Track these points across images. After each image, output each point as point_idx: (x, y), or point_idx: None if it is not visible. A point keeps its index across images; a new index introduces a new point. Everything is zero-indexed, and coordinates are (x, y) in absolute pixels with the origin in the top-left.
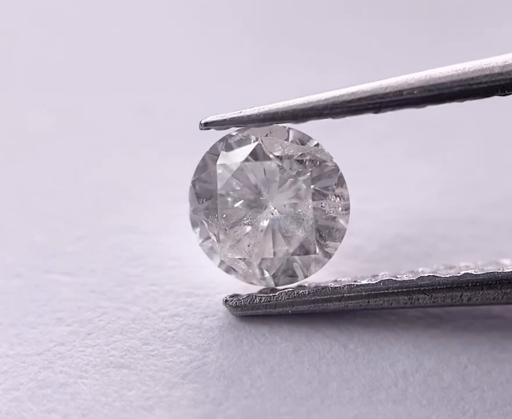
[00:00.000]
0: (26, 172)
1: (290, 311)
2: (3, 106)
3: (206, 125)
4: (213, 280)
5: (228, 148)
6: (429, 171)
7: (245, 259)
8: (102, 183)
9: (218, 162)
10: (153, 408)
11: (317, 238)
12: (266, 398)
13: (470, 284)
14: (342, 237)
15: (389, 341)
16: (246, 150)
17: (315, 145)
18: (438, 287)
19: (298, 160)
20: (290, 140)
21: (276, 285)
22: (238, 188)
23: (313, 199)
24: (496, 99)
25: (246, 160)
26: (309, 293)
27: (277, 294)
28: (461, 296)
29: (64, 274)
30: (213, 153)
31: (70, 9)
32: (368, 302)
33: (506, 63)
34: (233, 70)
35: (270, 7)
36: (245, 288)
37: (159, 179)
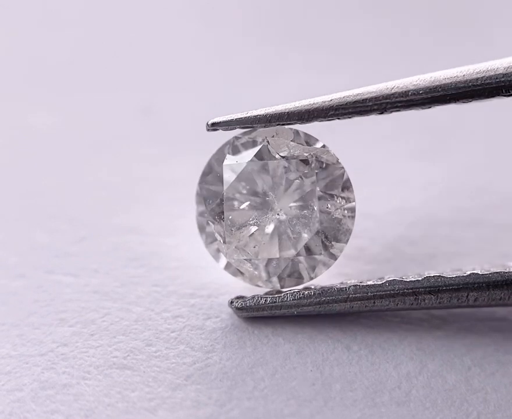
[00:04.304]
0: (29, 172)
1: (295, 312)
2: (5, 106)
3: (213, 126)
4: (216, 281)
5: (235, 150)
6: (433, 172)
7: (250, 260)
8: (105, 183)
9: (224, 164)
10: (156, 409)
11: (323, 240)
12: (269, 399)
13: (476, 285)
14: (348, 239)
15: (392, 343)
16: (252, 152)
17: (321, 147)
18: (444, 288)
19: (304, 162)
20: (296, 141)
21: (282, 287)
22: (244, 191)
23: (319, 201)
24: (499, 100)
25: (253, 162)
26: (314, 294)
27: (282, 295)
28: (467, 296)
29: (67, 275)
30: (219, 155)
31: (73, 8)
32: (374, 303)
33: (511, 65)
34: (238, 71)
35: (276, 7)
36: (249, 289)
37: (163, 180)
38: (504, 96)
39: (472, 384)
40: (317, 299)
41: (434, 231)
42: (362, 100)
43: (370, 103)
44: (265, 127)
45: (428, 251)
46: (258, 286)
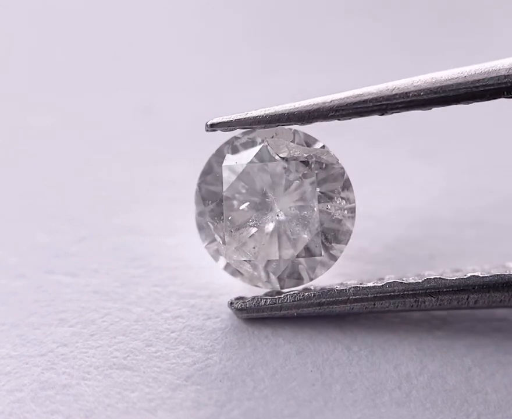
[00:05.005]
0: (29, 172)
1: (295, 314)
2: (5, 106)
3: (212, 127)
4: (216, 281)
5: (234, 150)
6: (433, 172)
7: (250, 261)
8: (105, 183)
9: (224, 164)
10: (156, 410)
11: (323, 241)
12: (269, 400)
13: (476, 287)
14: (348, 240)
15: (393, 343)
16: (252, 152)
17: (321, 147)
18: (444, 290)
19: (303, 162)
20: (295, 142)
21: (282, 288)
22: (244, 191)
23: (319, 202)
24: (499, 100)
25: (252, 162)
26: (314, 296)
27: (282, 296)
28: (467, 298)
29: (67, 275)
30: (218, 156)
31: (74, 8)
32: (374, 304)
33: None
34: (238, 71)
35: (276, 7)
36: (249, 289)
37: (163, 180)
38: (506, 97)
39: (472, 384)
40: (317, 301)
41: (434, 232)
42: (363, 101)
43: (371, 104)
44: (264, 128)
45: (428, 251)
46: (258, 286)
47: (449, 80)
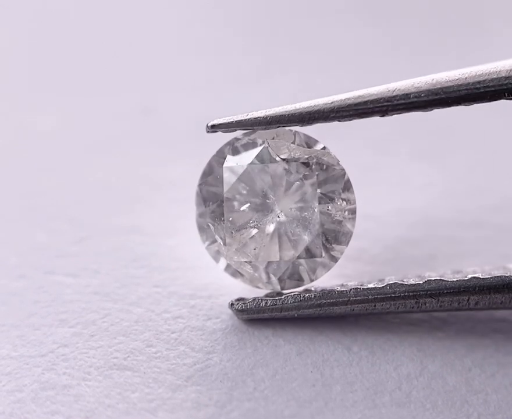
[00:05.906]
0: (29, 173)
1: (296, 315)
2: (6, 106)
3: (213, 128)
4: (216, 282)
5: (235, 151)
6: (433, 173)
7: (251, 262)
8: (105, 183)
9: (224, 165)
10: (156, 410)
11: (324, 242)
12: (270, 401)
13: (477, 288)
14: (349, 241)
15: (393, 344)
16: (252, 153)
17: (322, 149)
18: (445, 291)
19: (304, 164)
20: (296, 143)
21: (282, 289)
22: (245, 192)
23: (319, 203)
24: (499, 102)
25: (253, 163)
26: (315, 297)
27: (283, 297)
28: (468, 300)
29: (67, 276)
30: (219, 157)
31: (74, 9)
32: (375, 306)
33: None
34: (238, 72)
35: (277, 9)
36: (249, 290)
37: (163, 180)
38: (507, 99)
39: (473, 385)
40: (318, 302)
41: (434, 232)
42: (364, 102)
43: (372, 106)
44: (265, 129)
45: (428, 252)
46: (258, 287)
47: (450, 81)
